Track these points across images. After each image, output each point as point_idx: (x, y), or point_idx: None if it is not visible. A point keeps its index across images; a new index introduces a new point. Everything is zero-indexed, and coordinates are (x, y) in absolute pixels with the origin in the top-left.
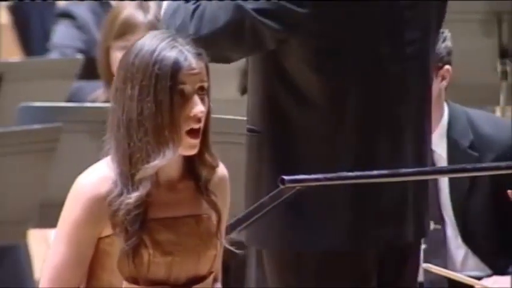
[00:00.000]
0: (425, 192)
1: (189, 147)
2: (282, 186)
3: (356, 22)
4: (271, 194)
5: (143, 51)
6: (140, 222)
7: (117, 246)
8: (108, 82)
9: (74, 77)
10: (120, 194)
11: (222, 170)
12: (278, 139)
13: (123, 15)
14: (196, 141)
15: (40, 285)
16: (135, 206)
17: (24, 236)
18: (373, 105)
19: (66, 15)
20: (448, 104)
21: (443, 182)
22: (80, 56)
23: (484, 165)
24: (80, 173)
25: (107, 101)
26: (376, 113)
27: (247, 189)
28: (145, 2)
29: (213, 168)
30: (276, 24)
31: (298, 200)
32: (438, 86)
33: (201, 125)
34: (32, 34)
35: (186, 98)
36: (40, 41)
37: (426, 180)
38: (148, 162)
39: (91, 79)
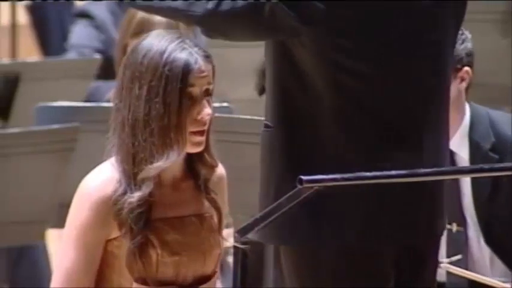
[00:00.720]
0: (440, 193)
1: (195, 144)
2: (300, 186)
3: (373, 22)
4: (289, 194)
5: (152, 51)
6: (145, 221)
7: (124, 247)
8: None
9: (92, 77)
10: (124, 193)
11: (220, 169)
12: (289, 135)
13: (140, 14)
14: (202, 139)
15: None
16: (138, 205)
17: (42, 235)
18: (388, 105)
19: (84, 15)
20: (470, 105)
21: (466, 184)
22: (97, 56)
23: (501, 165)
24: None
25: None
26: (391, 112)
27: (260, 186)
28: None
29: (213, 168)
30: (294, 13)
31: (314, 198)
32: (457, 87)
33: (206, 126)
34: (50, 34)
35: (193, 101)
36: (58, 41)
37: (441, 181)
38: (151, 162)
39: (109, 79)
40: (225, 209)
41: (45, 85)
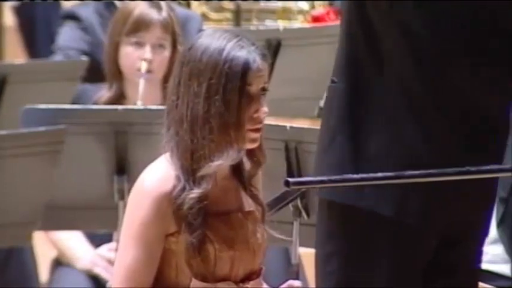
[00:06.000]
0: (484, 192)
1: (252, 141)
2: (287, 189)
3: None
4: (276, 196)
5: (211, 48)
6: (203, 217)
7: (181, 244)
8: (114, 78)
9: (79, 79)
10: (183, 189)
11: None
12: (349, 90)
13: (137, 12)
14: (258, 135)
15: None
16: (198, 200)
17: (29, 238)
18: (456, 96)
19: (72, 17)
20: None
21: None
22: (84, 58)
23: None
24: (84, 174)
25: (108, 102)
26: (460, 103)
27: (319, 138)
28: (157, 2)
29: (260, 164)
30: None
31: None
32: None
33: (263, 124)
34: (37, 36)
35: (251, 99)
36: (45, 43)
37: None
38: (211, 160)
39: (96, 81)
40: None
41: (32, 87)
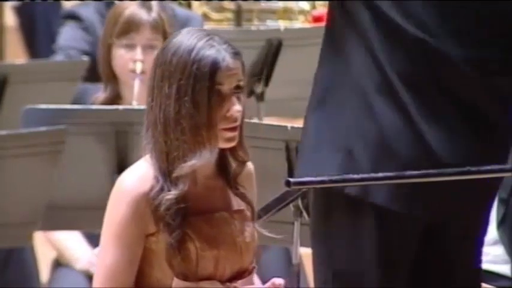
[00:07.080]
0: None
1: (228, 140)
2: (288, 189)
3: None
4: (277, 196)
5: (181, 49)
6: (182, 217)
7: (162, 243)
8: (108, 80)
9: (79, 79)
10: (161, 189)
11: (249, 165)
12: (328, 61)
13: (127, 13)
14: (234, 134)
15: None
16: (176, 201)
17: (30, 238)
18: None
19: (72, 16)
20: None
21: None
22: (85, 58)
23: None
24: (85, 174)
25: (104, 103)
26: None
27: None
28: (147, 2)
29: (244, 162)
30: None
31: None
32: None
33: (238, 123)
34: (37, 36)
35: (222, 98)
36: (46, 43)
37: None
38: (185, 161)
39: (97, 81)
40: (255, 204)
41: (33, 87)
